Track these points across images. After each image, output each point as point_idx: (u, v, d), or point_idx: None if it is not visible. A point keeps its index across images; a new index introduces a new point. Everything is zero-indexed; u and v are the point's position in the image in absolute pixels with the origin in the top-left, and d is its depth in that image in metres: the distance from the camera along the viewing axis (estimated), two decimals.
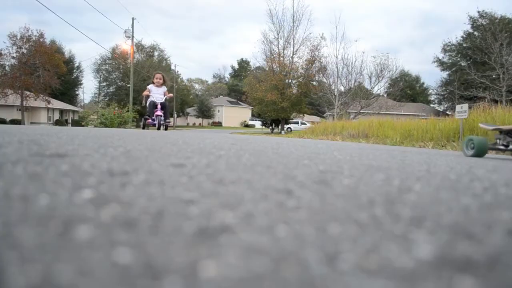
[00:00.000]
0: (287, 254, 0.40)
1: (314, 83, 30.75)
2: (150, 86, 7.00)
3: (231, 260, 0.38)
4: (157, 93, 6.88)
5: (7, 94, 31.53)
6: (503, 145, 3.00)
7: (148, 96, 6.92)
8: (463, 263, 0.41)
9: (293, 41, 31.26)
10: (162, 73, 7.25)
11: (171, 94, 7.19)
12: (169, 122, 7.20)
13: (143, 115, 7.25)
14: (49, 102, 33.70)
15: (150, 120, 6.87)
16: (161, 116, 6.71)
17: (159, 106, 6.74)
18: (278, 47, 31.41)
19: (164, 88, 7.03)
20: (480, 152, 2.98)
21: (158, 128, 6.77)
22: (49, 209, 0.53)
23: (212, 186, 0.79)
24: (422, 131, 8.37)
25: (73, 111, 44.37)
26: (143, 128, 7.33)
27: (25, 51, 31.37)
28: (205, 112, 59.76)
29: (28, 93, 31.93)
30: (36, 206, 0.54)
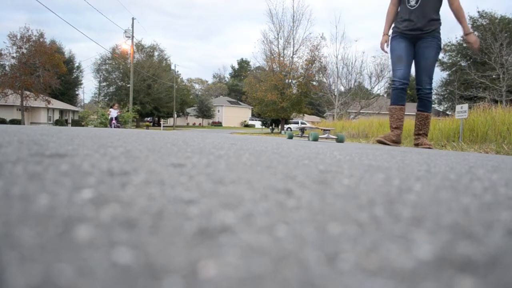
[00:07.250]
0: (287, 254, 0.40)
1: (314, 83, 30.74)
2: (111, 109, 17.78)
3: (231, 260, 0.38)
4: (114, 112, 17.53)
5: (7, 94, 31.50)
6: (300, 135, 6.32)
7: (109, 114, 17.59)
8: (463, 263, 0.41)
9: (293, 41, 31.26)
10: (117, 104, 18.70)
11: (119, 112, 16.83)
12: (120, 125, 17.37)
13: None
14: (49, 102, 33.67)
15: (109, 126, 15.30)
16: (115, 122, 17.06)
17: (114, 119, 17.15)
18: (278, 47, 31.41)
19: (117, 110, 17.74)
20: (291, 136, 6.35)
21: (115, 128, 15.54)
22: (49, 209, 0.53)
23: (212, 186, 0.79)
24: None
25: (73, 111, 44.31)
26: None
27: (25, 51, 31.34)
28: (205, 112, 59.70)
29: (28, 93, 31.91)
30: (36, 206, 0.54)
